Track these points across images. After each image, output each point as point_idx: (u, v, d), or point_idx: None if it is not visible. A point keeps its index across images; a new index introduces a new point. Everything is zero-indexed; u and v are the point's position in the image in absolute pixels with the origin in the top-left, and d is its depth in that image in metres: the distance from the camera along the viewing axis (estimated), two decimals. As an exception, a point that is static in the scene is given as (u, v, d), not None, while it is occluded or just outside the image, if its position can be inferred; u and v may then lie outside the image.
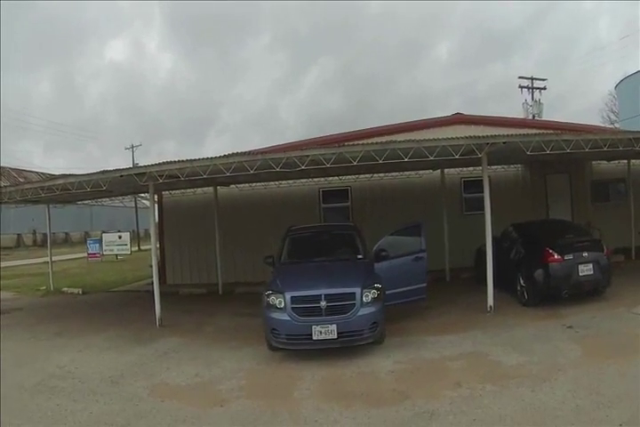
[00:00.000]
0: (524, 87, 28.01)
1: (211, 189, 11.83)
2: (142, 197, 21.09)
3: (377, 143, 7.28)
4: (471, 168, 11.43)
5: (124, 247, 23.97)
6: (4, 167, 39.52)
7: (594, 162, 13.13)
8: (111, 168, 7.65)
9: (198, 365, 5.95)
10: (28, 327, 8.57)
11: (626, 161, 12.20)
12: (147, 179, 7.72)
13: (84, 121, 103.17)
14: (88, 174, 7.85)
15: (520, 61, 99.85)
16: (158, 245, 12.58)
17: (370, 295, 5.89)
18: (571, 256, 7.65)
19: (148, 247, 21.43)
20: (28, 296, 12.92)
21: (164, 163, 7.43)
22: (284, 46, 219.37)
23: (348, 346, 5.85)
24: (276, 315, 5.86)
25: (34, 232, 40.99)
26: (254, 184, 12.49)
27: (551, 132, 9.52)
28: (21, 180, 33.95)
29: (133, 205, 37.03)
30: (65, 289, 13.26)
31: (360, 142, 8.08)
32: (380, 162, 7.50)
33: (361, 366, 5.55)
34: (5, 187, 9.17)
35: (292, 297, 5.85)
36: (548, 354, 5.50)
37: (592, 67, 77.15)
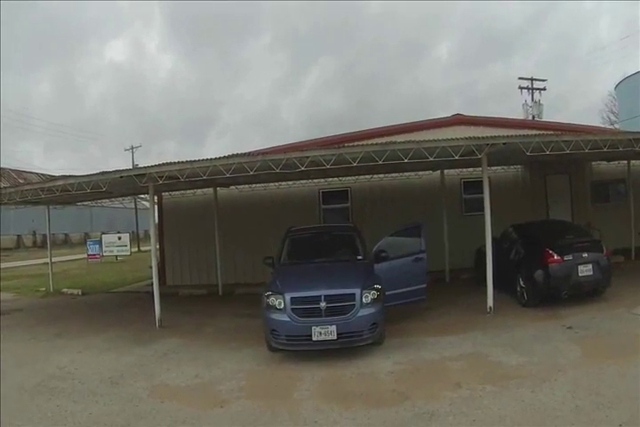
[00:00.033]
0: (524, 88, 28.06)
1: (210, 190, 11.83)
2: (142, 198, 21.14)
3: (377, 144, 7.28)
4: (471, 169, 11.43)
5: (124, 248, 24.02)
6: (3, 168, 39.58)
7: (594, 163, 13.13)
8: (111, 169, 7.68)
9: (198, 366, 5.94)
10: (28, 328, 8.57)
11: (626, 162, 12.21)
12: (146, 180, 7.72)
13: (84, 121, 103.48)
14: (88, 175, 7.86)
15: (520, 61, 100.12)
16: (158, 246, 12.58)
17: (370, 296, 5.89)
18: (570, 257, 7.65)
19: (147, 248, 21.43)
20: (27, 297, 12.92)
21: (163, 164, 7.43)
22: (285, 46, 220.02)
23: (347, 347, 5.84)
24: (276, 316, 5.86)
25: (34, 233, 41.00)
26: (254, 185, 12.49)
27: (551, 132, 9.54)
28: (21, 181, 33.95)
29: (133, 207, 37.07)
30: (65, 290, 13.25)
31: (360, 143, 8.08)
32: (380, 163, 7.51)
33: (361, 367, 5.54)
34: (5, 188, 9.18)
35: (291, 298, 5.85)
36: (548, 355, 5.50)
37: (592, 67, 77.30)
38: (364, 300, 5.84)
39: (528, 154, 7.39)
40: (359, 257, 7.21)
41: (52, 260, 14.53)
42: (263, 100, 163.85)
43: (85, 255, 23.72)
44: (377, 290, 6.02)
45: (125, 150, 40.97)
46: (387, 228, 8.16)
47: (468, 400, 4.44)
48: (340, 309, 5.76)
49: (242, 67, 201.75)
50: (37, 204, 12.15)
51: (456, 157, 7.24)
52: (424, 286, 7.31)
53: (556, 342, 5.97)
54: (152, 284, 8.52)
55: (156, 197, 12.54)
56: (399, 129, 12.30)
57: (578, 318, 6.87)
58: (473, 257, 10.28)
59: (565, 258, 7.64)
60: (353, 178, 12.49)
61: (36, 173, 40.99)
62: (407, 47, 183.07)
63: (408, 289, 7.19)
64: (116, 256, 23.86)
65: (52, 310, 10.56)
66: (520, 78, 28.31)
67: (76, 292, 12.92)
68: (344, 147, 7.69)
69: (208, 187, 11.59)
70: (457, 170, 12.04)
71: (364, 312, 5.79)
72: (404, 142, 7.11)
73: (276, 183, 12.40)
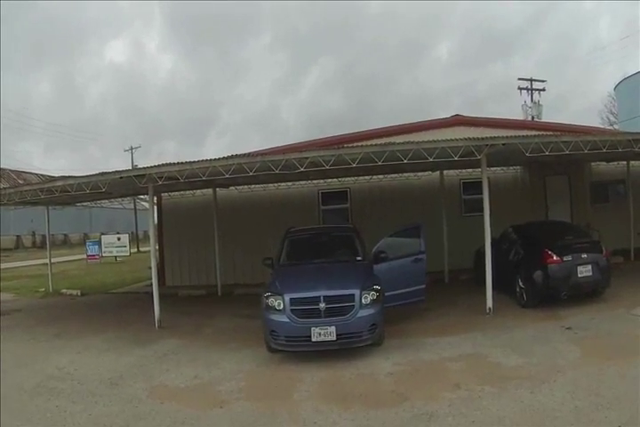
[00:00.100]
0: (523, 89, 28.09)
1: (210, 190, 11.84)
2: (141, 198, 21.14)
3: (376, 145, 7.29)
4: (470, 170, 11.45)
5: (123, 249, 24.02)
6: (3, 169, 39.55)
7: (593, 163, 13.15)
8: (111, 170, 7.70)
9: (197, 366, 5.94)
10: (28, 329, 8.57)
11: (625, 162, 12.22)
12: (146, 180, 7.73)
13: (84, 121, 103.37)
14: (87, 176, 7.85)
15: (520, 61, 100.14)
16: (157, 247, 12.58)
17: (369, 297, 5.89)
18: (570, 257, 7.65)
19: (147, 249, 21.45)
20: (27, 298, 12.91)
21: (163, 165, 7.44)
22: (285, 46, 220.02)
23: (346, 348, 5.84)
24: (275, 317, 5.86)
25: (33, 234, 40.94)
26: (253, 186, 12.50)
27: (550, 133, 9.55)
28: (21, 181, 33.94)
29: (132, 207, 37.08)
30: (64, 291, 13.24)
31: (359, 144, 8.09)
32: (380, 164, 7.51)
33: (360, 368, 5.54)
34: (5, 188, 9.19)
35: (290, 299, 5.85)
36: (548, 355, 5.50)
37: (592, 67, 77.35)
38: (363, 301, 5.84)
39: (527, 155, 7.40)
40: (358, 258, 7.21)
41: (52, 260, 14.52)
42: (263, 100, 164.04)
43: (85, 256, 23.71)
44: (376, 291, 6.02)
45: (125, 151, 41.08)
46: (386, 228, 8.16)
47: (467, 401, 4.44)
48: (339, 310, 5.75)
49: (242, 67, 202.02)
50: (37, 204, 12.15)
51: (455, 158, 7.25)
52: (423, 286, 7.31)
53: (555, 342, 5.97)
54: (151, 284, 8.52)
55: (155, 198, 12.53)
56: (398, 130, 12.32)
57: (577, 319, 6.87)
58: (472, 258, 10.28)
59: (565, 259, 7.64)
60: (352, 179, 12.50)
61: (36, 174, 40.98)
62: (407, 47, 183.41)
63: (407, 290, 7.19)
64: (116, 257, 23.84)
65: (52, 311, 10.55)
66: (520, 79, 28.40)
67: (75, 292, 12.91)
68: (343, 148, 7.68)
69: (207, 187, 11.60)
70: (456, 171, 12.05)
71: (363, 313, 5.79)
72: (403, 143, 7.12)
73: (276, 184, 12.42)
